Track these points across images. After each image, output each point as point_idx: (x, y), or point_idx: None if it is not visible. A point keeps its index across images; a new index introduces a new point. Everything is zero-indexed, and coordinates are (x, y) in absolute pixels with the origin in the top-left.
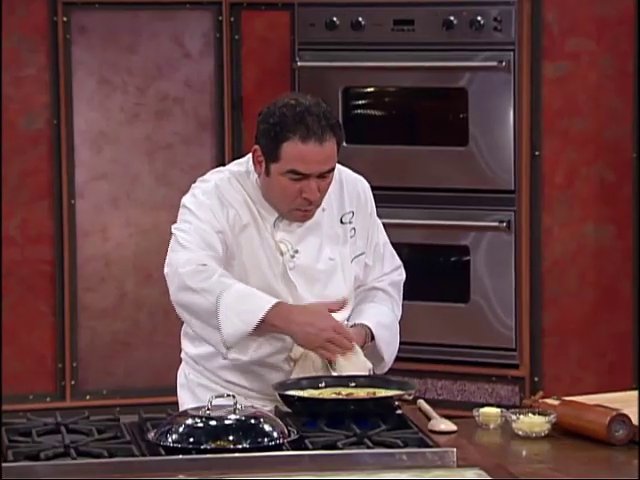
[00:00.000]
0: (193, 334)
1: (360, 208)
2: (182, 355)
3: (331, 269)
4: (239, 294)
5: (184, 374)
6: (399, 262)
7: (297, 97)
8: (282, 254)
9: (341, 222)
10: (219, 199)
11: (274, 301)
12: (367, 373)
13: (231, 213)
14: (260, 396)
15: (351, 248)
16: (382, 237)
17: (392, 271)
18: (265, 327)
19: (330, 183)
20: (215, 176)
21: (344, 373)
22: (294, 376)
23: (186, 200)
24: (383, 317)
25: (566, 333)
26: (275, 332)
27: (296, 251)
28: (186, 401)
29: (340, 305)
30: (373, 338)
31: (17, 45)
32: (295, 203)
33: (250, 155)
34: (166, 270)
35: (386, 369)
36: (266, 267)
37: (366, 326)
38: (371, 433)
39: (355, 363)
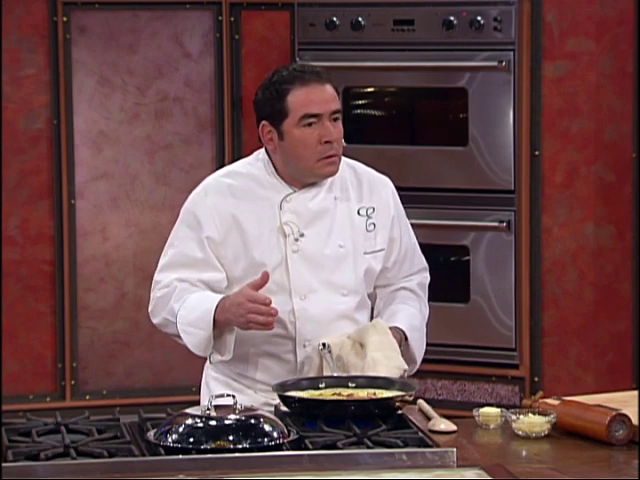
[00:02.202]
0: None
1: (382, 206)
2: None
3: (340, 256)
4: (189, 307)
5: (205, 369)
6: (426, 264)
7: (280, 66)
8: (286, 236)
9: (358, 213)
10: (215, 194)
11: (217, 299)
12: (402, 373)
13: (230, 206)
14: (268, 388)
15: (368, 242)
16: (411, 238)
17: (419, 272)
18: (219, 324)
19: (342, 131)
20: (214, 174)
21: (380, 372)
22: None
23: (183, 207)
24: (414, 319)
25: (566, 333)
26: (230, 325)
27: (302, 234)
28: (204, 394)
29: (262, 280)
30: (406, 339)
31: (17, 45)
32: (318, 151)
33: (252, 155)
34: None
35: (415, 370)
36: (268, 253)
37: (400, 329)
38: (371, 433)
39: (392, 359)
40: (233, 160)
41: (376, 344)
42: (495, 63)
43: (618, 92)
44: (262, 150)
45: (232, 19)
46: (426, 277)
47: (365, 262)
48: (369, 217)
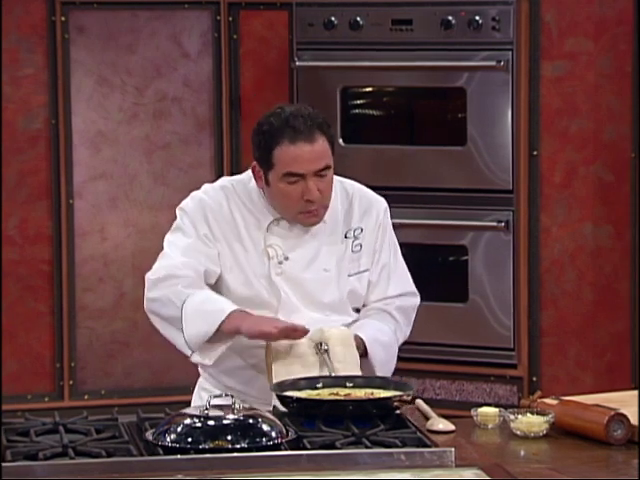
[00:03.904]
0: None
1: (370, 226)
2: None
3: (324, 280)
4: (202, 299)
5: (199, 382)
6: (412, 288)
7: (282, 105)
8: (269, 259)
9: (345, 237)
10: (205, 207)
11: (234, 307)
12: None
13: (219, 219)
14: (258, 400)
15: (353, 263)
16: (395, 259)
17: (400, 295)
18: (226, 328)
19: (330, 183)
20: (208, 185)
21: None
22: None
23: (179, 208)
24: (382, 335)
25: (564, 333)
26: (232, 334)
27: (286, 258)
28: (195, 403)
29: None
30: (366, 352)
31: (15, 45)
32: (298, 207)
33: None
34: (146, 275)
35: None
36: (251, 271)
37: (361, 338)
38: (369, 433)
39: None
40: (232, 160)
41: (339, 355)
42: (493, 63)
43: (617, 92)
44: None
45: (230, 19)
46: (411, 301)
47: (349, 284)
48: (356, 238)
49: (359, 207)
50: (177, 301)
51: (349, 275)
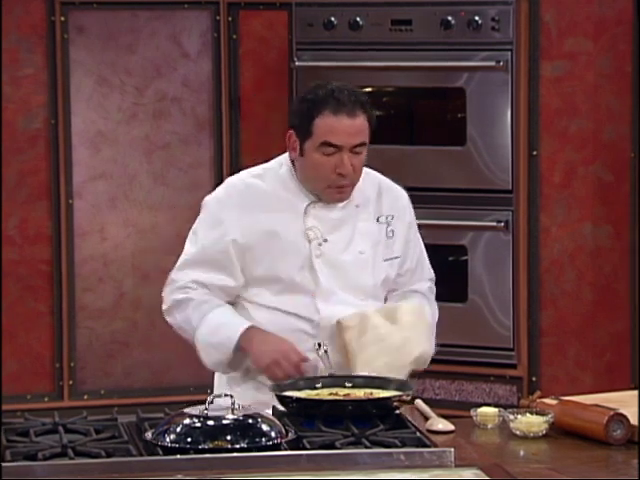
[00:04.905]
0: None
1: (400, 214)
2: None
3: (360, 263)
4: (211, 328)
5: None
6: (433, 275)
7: (328, 81)
8: (310, 241)
9: (377, 221)
10: (241, 195)
11: (243, 328)
12: (425, 359)
13: (256, 207)
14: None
15: (387, 249)
16: (422, 249)
17: (428, 280)
18: (241, 350)
19: (362, 161)
20: (239, 174)
21: (413, 352)
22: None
23: (205, 202)
24: (424, 308)
25: (564, 333)
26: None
27: (325, 240)
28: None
29: (302, 359)
30: None
31: (15, 45)
32: (330, 179)
33: (279, 157)
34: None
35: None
36: (291, 255)
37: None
38: (369, 433)
39: (423, 342)
40: (231, 160)
41: (408, 324)
42: (493, 63)
43: (616, 92)
44: (284, 156)
45: (230, 19)
46: (433, 287)
47: (383, 269)
48: (388, 224)
49: (387, 195)
50: (190, 330)
51: (384, 260)
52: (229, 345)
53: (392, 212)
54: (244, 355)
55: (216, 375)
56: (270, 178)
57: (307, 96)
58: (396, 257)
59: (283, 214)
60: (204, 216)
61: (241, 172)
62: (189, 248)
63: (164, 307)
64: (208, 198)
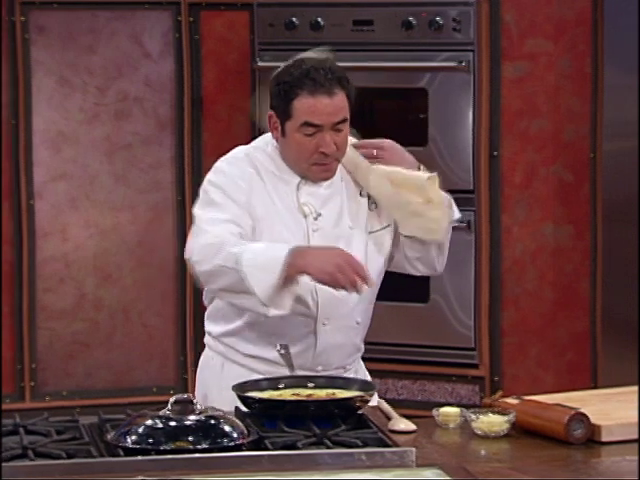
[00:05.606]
0: (215, 314)
1: None
2: (205, 340)
3: (349, 236)
4: (255, 251)
5: (209, 357)
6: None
7: (305, 56)
8: (305, 216)
9: (360, 194)
10: (242, 167)
11: (287, 247)
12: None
13: (254, 179)
14: (279, 364)
15: (373, 221)
16: None
17: None
18: (290, 271)
19: (346, 137)
20: (235, 150)
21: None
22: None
23: (210, 177)
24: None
25: (525, 332)
26: (299, 273)
27: (319, 214)
28: (210, 381)
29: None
30: None
31: None
32: (313, 158)
33: (263, 136)
34: (186, 256)
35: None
36: (289, 230)
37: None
38: (331, 433)
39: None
40: (192, 160)
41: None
42: (455, 64)
43: (576, 93)
44: (268, 135)
45: (191, 19)
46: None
47: (369, 240)
48: (369, 197)
49: None
50: (231, 264)
51: (370, 232)
52: (278, 260)
53: None
54: (291, 281)
55: (197, 378)
56: (264, 154)
57: (283, 78)
58: (387, 225)
59: (277, 189)
60: (207, 190)
61: (234, 150)
62: (203, 222)
63: (195, 258)
64: (208, 176)
